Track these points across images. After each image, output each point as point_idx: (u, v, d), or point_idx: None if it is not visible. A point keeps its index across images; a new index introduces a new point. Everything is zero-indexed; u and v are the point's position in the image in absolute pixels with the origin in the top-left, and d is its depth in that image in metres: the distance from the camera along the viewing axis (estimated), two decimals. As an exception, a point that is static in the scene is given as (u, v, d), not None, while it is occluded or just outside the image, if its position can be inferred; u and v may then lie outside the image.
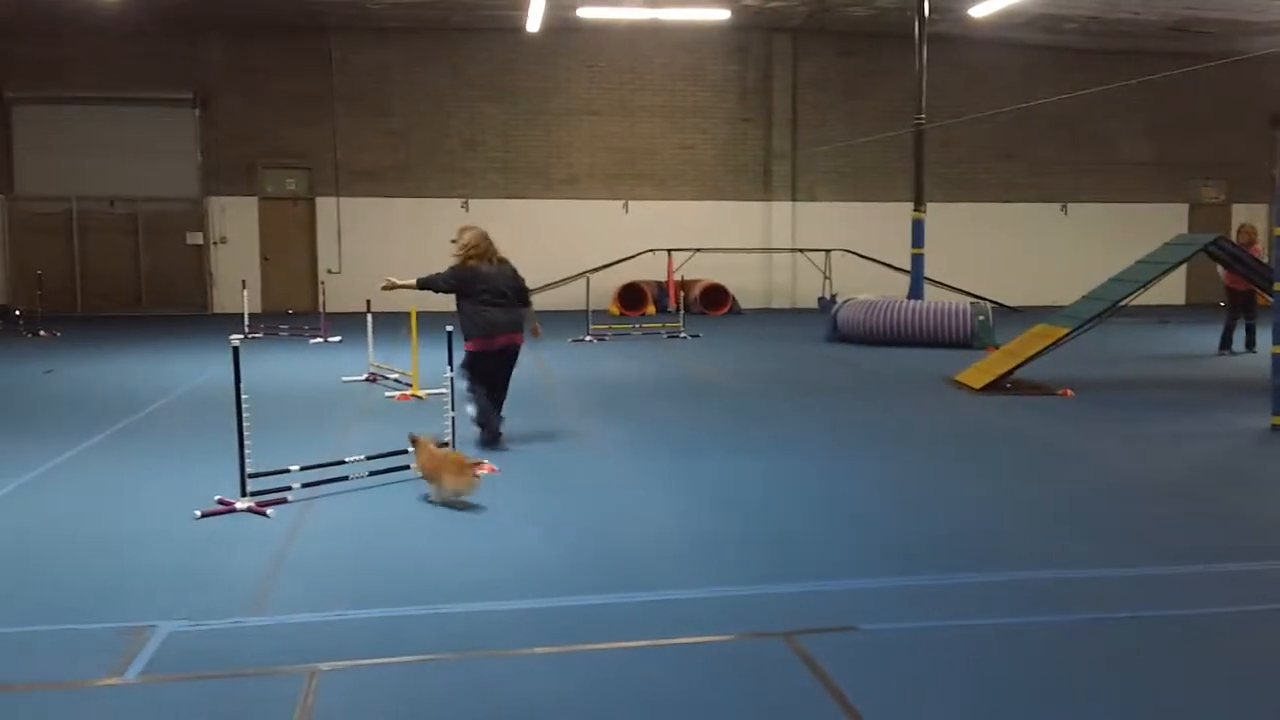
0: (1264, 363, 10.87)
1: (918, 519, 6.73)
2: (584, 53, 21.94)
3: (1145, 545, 6.17)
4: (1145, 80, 18.02)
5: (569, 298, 20.23)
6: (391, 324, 14.99)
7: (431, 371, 10.84)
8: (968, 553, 6.00)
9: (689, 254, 21.44)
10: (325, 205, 21.64)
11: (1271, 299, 9.98)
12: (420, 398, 10.93)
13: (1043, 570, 5.68)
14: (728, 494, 7.33)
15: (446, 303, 8.70)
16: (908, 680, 4.31)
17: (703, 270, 21.66)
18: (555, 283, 21.01)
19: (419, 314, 11.61)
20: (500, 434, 8.72)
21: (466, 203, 21.71)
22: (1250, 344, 15.40)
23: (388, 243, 21.38)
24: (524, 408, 10.62)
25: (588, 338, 16.38)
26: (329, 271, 21.10)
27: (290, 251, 21.71)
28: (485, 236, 8.81)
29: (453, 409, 7.97)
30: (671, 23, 20.86)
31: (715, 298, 21.20)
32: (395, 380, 11.94)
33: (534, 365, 13.69)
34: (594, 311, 17.49)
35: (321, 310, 16.85)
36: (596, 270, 20.06)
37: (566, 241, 21.68)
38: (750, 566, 5.74)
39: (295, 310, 20.68)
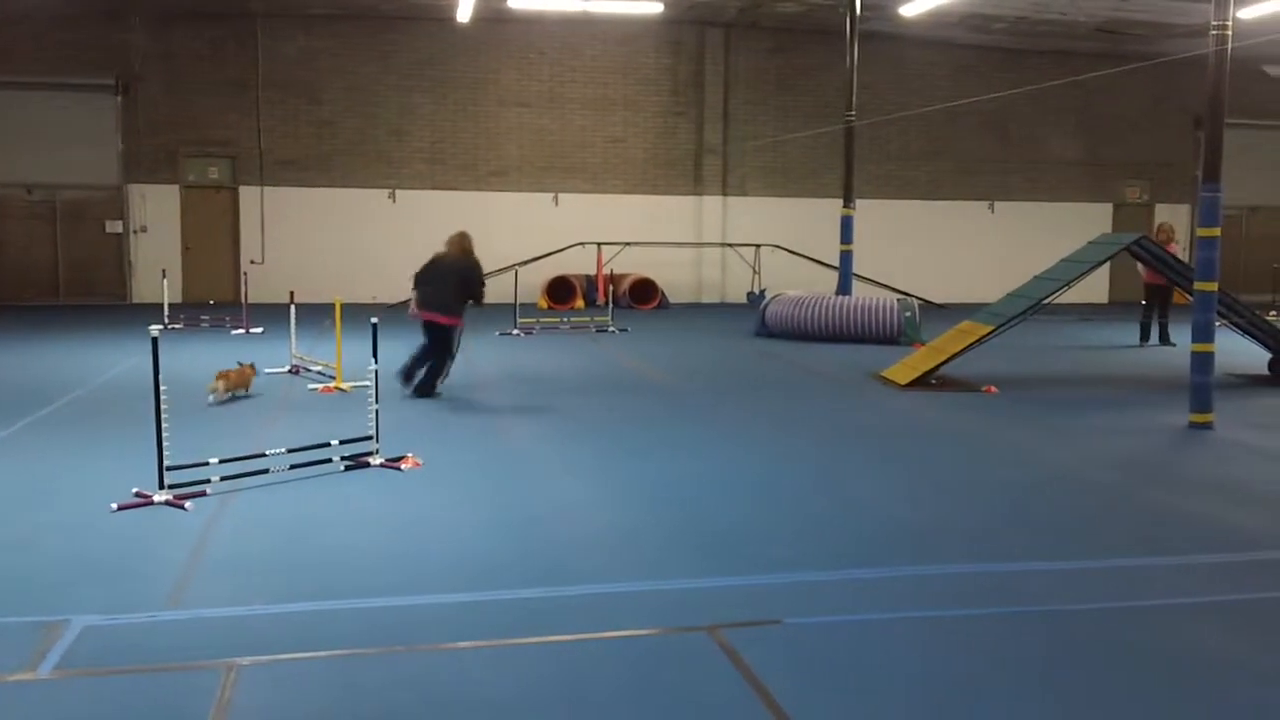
0: (1180, 359, 11.11)
1: (844, 514, 6.77)
2: (515, 44, 21.78)
3: (1070, 540, 6.25)
4: (1072, 81, 18.35)
5: (497, 291, 20.00)
6: (315, 316, 14.76)
7: (356, 364, 10.66)
8: (893, 547, 6.04)
9: (619, 248, 21.39)
10: (249, 194, 21.22)
11: (1191, 297, 10.19)
12: (344, 390, 10.77)
13: (969, 564, 5.73)
14: (656, 488, 7.30)
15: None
16: (830, 673, 4.32)
17: (632, 264, 21.62)
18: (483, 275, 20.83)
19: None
20: (412, 386, 10.46)
21: (394, 193, 21.44)
22: (1165, 338, 15.85)
23: (312, 233, 21.10)
24: (450, 400, 10.54)
25: (515, 331, 16.27)
26: (252, 262, 20.70)
27: (212, 241, 21.26)
28: (454, 238, 10.80)
29: (376, 401, 7.83)
30: (603, 15, 20.79)
31: (644, 292, 21.19)
32: (318, 372, 11.74)
33: (460, 358, 13.56)
34: (522, 305, 17.37)
35: (244, 301, 16.53)
36: (525, 263, 19.88)
37: (495, 234, 21.36)
38: (678, 560, 5.73)
39: (217, 301, 20.25)
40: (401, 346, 12.00)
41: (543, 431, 9.16)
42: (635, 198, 22.39)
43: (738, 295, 22.45)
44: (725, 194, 22.82)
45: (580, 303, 20.78)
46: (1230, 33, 9.56)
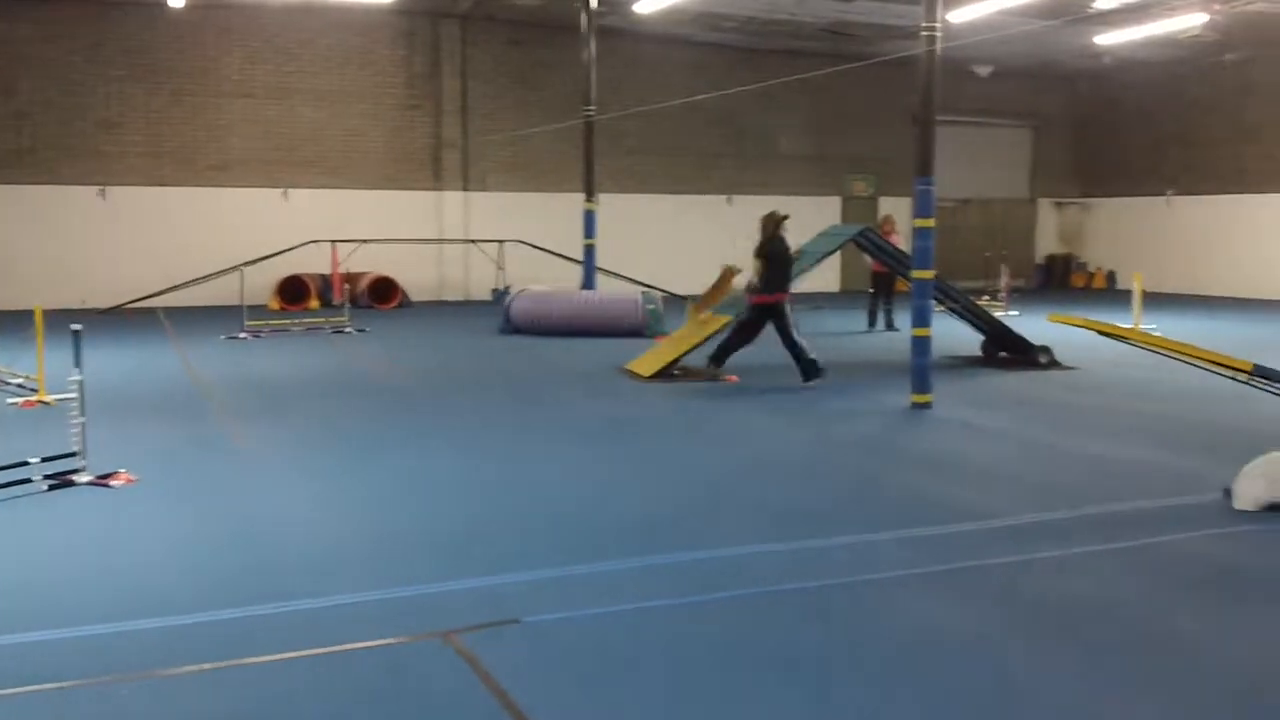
0: (904, 343, 11.62)
1: (584, 508, 6.69)
2: (236, 31, 20.61)
3: (803, 520, 6.37)
4: (801, 79, 18.96)
5: (222, 292, 18.93)
6: (14, 323, 13.47)
7: (60, 374, 9.70)
8: (633, 538, 5.99)
9: (355, 245, 20.58)
10: (-64, 193, 19.22)
11: (911, 285, 10.64)
12: (47, 403, 9.81)
13: (707, 550, 5.73)
14: (390, 493, 7.03)
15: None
16: (570, 669, 4.28)
17: (370, 262, 20.85)
18: (206, 276, 19.60)
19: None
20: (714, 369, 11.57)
21: (104, 190, 19.90)
22: (889, 324, 16.69)
23: (10, 233, 19.29)
24: (168, 412, 9.80)
25: (242, 334, 15.39)
26: (-58, 267, 18.76)
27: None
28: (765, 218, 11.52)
29: (82, 414, 7.13)
30: (332, 3, 19.98)
31: (384, 290, 20.51)
32: (18, 386, 10.67)
33: (179, 365, 12.71)
34: (251, 306, 16.48)
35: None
36: (252, 263, 18.79)
37: (219, 232, 20.31)
38: (411, 566, 5.52)
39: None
40: (113, 356, 11.10)
41: (271, 440, 8.63)
42: (371, 193, 21.65)
43: (482, 292, 22.08)
44: (466, 189, 22.42)
45: (315, 303, 19.90)
46: (940, 34, 10.01)
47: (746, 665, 4.31)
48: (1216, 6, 18.84)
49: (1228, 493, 6.67)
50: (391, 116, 21.90)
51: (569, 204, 20.21)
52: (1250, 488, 6.51)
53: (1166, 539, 6.00)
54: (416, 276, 21.65)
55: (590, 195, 18.04)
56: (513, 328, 16.25)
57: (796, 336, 11.36)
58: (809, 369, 11.36)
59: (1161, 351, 7.07)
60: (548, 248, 21.57)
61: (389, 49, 21.79)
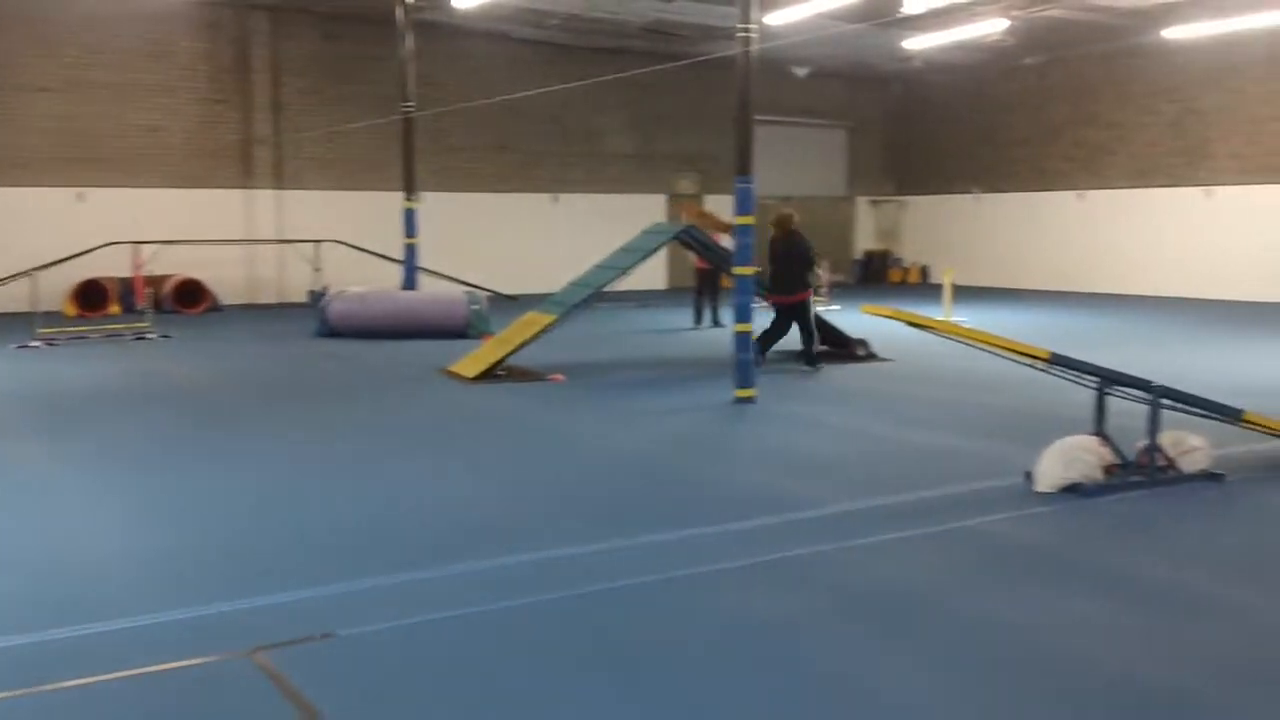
0: (729, 338, 11.71)
1: (403, 515, 6.44)
2: (27, 21, 19.37)
3: (627, 518, 6.30)
4: (624, 77, 18.95)
5: (13, 298, 17.75)
6: None
7: None
8: (455, 544, 5.80)
9: (158, 246, 19.54)
10: None
11: (734, 281, 10.71)
12: None
13: (527, 553, 5.59)
14: (191, 507, 6.62)
15: None
16: (387, 682, 4.11)
17: (176, 264, 19.85)
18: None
19: None
20: (759, 359, 11.28)
21: (-114, 190, 18.45)
22: (715, 321, 16.84)
23: None
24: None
25: (35, 343, 14.42)
26: None
27: None
28: (778, 218, 12.31)
29: None
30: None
31: (191, 294, 19.58)
32: None
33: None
34: (45, 313, 15.49)
35: None
36: (45, 267, 17.61)
37: (10, 235, 19.03)
38: (214, 583, 5.19)
39: None
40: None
41: (61, 455, 8.06)
42: (176, 192, 20.63)
43: (298, 294, 21.29)
44: (280, 187, 21.62)
45: (116, 308, 18.84)
46: (756, 36, 10.09)
47: (567, 667, 4.22)
48: (1015, 12, 19.66)
49: (1029, 476, 6.89)
50: (195, 112, 20.92)
51: (389, 202, 19.70)
52: (1050, 470, 6.74)
53: (972, 522, 6.14)
54: (227, 279, 20.72)
55: (411, 193, 17.62)
56: (330, 330, 15.69)
57: (814, 329, 12.29)
58: (813, 359, 12.20)
59: (964, 341, 7.23)
60: (367, 247, 20.96)
61: (190, 41, 20.81)
